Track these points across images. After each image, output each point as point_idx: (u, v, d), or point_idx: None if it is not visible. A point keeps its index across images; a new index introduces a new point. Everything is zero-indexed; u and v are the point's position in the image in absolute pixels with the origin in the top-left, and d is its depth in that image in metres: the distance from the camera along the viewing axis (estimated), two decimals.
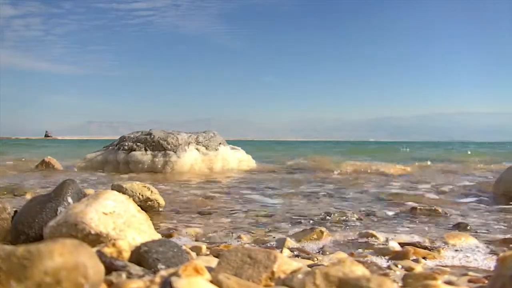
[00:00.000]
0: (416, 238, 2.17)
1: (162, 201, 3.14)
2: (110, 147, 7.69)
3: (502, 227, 2.60)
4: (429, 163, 9.52)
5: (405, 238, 2.17)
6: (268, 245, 2.09)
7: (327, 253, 1.90)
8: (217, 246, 1.98)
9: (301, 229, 2.37)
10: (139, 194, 3.05)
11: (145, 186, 3.13)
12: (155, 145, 7.20)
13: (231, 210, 3.20)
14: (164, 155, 7.03)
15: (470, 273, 1.50)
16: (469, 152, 14.93)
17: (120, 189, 2.94)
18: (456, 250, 1.91)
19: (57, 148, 19.89)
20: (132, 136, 7.61)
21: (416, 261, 1.69)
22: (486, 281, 1.33)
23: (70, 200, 1.58)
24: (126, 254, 1.15)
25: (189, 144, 7.37)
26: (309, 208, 3.36)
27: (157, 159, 6.98)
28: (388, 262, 1.70)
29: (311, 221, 2.75)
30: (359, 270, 0.97)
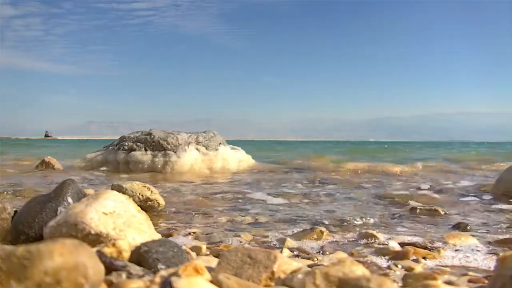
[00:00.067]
0: (416, 238, 2.18)
1: (162, 201, 3.14)
2: (110, 147, 7.69)
3: (502, 227, 2.61)
4: (429, 163, 9.52)
5: (405, 238, 2.18)
6: (268, 245, 2.09)
7: (327, 253, 1.90)
8: (217, 246, 1.98)
9: (301, 229, 2.37)
10: (139, 194, 3.05)
11: (145, 186, 3.13)
12: (155, 145, 7.20)
13: (231, 210, 3.20)
14: (164, 155, 7.04)
15: (470, 273, 1.50)
16: (473, 152, 14.85)
17: (120, 189, 2.94)
18: (456, 250, 1.91)
19: (57, 148, 19.89)
20: (132, 136, 7.61)
21: (416, 261, 1.69)
22: (486, 281, 1.33)
23: (70, 200, 1.58)
24: (126, 254, 1.15)
25: (189, 144, 7.37)
26: (309, 208, 3.36)
27: (157, 159, 6.98)
28: (388, 262, 1.70)
29: (311, 221, 2.75)
30: (359, 270, 0.97)
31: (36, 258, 0.80)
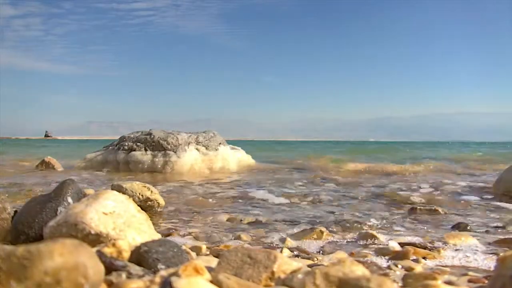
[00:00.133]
0: (416, 238, 2.18)
1: (162, 201, 3.15)
2: (110, 147, 7.69)
3: (502, 227, 2.60)
4: (429, 163, 9.52)
5: (405, 238, 2.18)
6: (268, 245, 2.09)
7: (327, 253, 1.90)
8: (217, 246, 1.98)
9: (301, 229, 2.37)
10: (139, 194, 3.05)
11: (145, 186, 3.13)
12: (155, 145, 7.20)
13: (231, 210, 3.20)
14: (164, 155, 7.04)
15: (470, 273, 1.50)
16: (479, 153, 14.73)
17: (120, 189, 2.94)
18: (456, 250, 1.91)
19: (57, 148, 19.88)
20: (132, 136, 7.61)
21: (416, 261, 1.69)
22: (486, 281, 1.33)
23: (70, 200, 1.58)
24: (126, 254, 1.15)
25: (189, 144, 7.37)
26: (309, 208, 3.36)
27: (157, 159, 6.98)
28: (388, 262, 1.70)
29: (311, 221, 2.75)
30: (359, 270, 0.97)
31: (36, 258, 0.79)
